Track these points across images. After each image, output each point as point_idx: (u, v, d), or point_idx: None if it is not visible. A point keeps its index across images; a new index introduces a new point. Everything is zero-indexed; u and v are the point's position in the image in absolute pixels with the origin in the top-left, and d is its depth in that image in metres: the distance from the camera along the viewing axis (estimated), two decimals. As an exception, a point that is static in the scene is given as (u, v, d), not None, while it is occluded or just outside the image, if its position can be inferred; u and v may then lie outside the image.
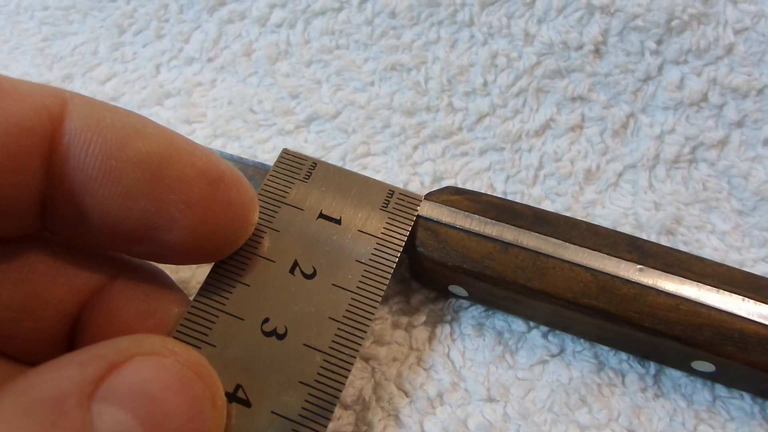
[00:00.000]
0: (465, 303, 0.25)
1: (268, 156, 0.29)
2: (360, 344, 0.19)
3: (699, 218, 0.27)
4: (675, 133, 0.28)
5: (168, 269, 0.21)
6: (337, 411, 0.23)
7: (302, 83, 0.31)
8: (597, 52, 0.29)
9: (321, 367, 0.18)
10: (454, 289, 0.24)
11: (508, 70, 0.29)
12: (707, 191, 0.28)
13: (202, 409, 0.14)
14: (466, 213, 0.23)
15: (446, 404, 0.23)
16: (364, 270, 0.20)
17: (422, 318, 0.25)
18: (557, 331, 0.25)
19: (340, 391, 0.18)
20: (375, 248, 0.21)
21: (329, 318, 0.19)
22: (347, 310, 0.19)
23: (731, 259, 0.26)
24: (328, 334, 0.19)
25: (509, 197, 0.28)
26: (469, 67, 0.30)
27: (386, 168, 0.29)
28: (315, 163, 0.23)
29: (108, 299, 0.18)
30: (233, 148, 0.30)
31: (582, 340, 0.24)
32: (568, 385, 0.23)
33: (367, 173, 0.29)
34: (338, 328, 0.19)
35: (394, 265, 0.21)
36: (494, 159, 0.29)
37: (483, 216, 0.23)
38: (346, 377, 0.18)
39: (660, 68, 0.28)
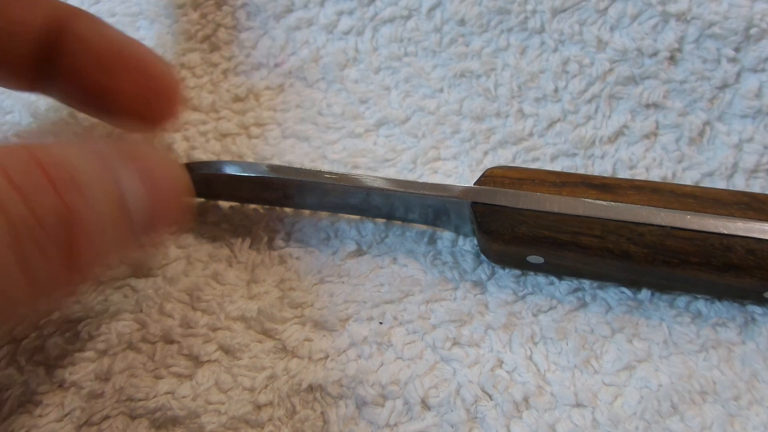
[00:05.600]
0: (544, 306, 0.25)
1: (337, 156, 0.29)
2: None
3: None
4: (754, 141, 0.28)
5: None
6: (421, 412, 0.22)
7: (371, 89, 0.31)
8: (672, 59, 0.28)
9: None
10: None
11: (579, 76, 0.29)
12: (787, 200, 0.27)
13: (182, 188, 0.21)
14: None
15: (533, 408, 0.22)
16: None
17: (501, 320, 0.24)
18: (642, 337, 0.24)
19: None
20: None
21: None
22: None
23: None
24: None
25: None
26: (539, 74, 0.30)
27: (457, 173, 0.29)
28: None
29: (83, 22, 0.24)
30: (302, 148, 0.30)
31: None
32: (657, 392, 0.23)
33: (438, 177, 0.29)
34: None
35: None
36: (566, 164, 0.29)
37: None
38: None
39: (737, 76, 0.28)
